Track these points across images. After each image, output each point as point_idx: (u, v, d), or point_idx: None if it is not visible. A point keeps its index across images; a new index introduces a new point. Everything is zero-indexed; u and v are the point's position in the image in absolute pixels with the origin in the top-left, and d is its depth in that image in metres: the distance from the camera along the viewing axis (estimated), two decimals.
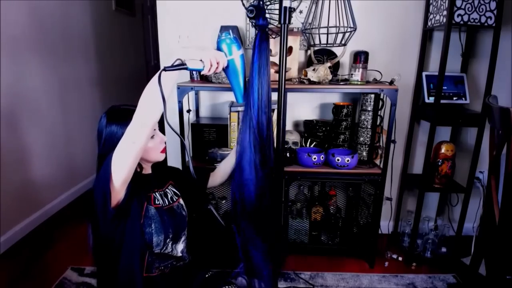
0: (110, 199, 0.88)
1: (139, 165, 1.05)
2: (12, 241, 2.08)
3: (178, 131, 1.73)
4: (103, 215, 0.90)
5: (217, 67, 0.89)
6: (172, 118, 2.06)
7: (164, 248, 1.03)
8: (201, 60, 0.86)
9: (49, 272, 1.82)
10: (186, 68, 0.84)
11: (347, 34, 1.27)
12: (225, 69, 0.95)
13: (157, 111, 0.84)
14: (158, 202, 1.05)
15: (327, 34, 1.25)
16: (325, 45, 1.33)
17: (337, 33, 1.27)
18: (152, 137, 1.03)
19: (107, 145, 0.97)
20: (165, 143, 1.09)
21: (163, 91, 0.79)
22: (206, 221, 1.33)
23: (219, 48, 0.93)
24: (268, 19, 1.13)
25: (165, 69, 0.80)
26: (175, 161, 2.11)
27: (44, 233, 2.25)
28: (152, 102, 0.83)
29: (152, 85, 0.82)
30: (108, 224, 0.92)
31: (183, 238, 1.11)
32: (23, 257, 1.98)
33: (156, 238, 0.99)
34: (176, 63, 0.82)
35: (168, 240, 1.03)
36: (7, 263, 1.92)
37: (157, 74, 0.80)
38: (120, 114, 0.99)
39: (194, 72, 1.79)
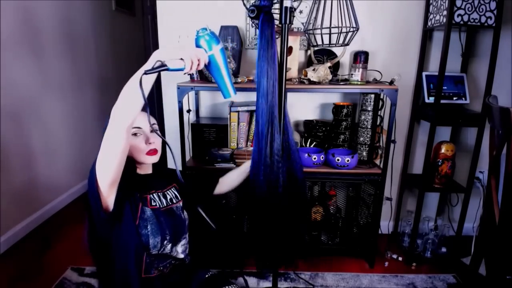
0: (101, 202, 0.89)
1: (133, 165, 1.05)
2: (12, 241, 2.08)
3: (178, 131, 1.73)
4: (97, 217, 0.91)
5: (198, 65, 0.88)
6: (172, 118, 2.07)
7: (162, 249, 1.02)
8: (181, 59, 0.84)
9: (49, 272, 1.82)
10: (167, 69, 0.82)
11: (349, 34, 1.27)
12: (207, 66, 0.93)
13: (130, 115, 0.82)
14: (154, 203, 1.04)
15: (329, 34, 1.25)
16: (328, 45, 1.33)
17: (339, 33, 1.26)
18: (135, 134, 1.03)
19: None
20: (157, 145, 1.07)
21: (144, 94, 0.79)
22: (204, 222, 1.33)
23: (197, 45, 0.91)
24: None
25: (145, 73, 0.79)
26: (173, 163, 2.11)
27: (44, 233, 2.24)
28: (127, 105, 0.82)
29: (128, 89, 0.81)
30: (104, 226, 0.93)
31: (183, 242, 1.11)
32: (23, 257, 1.98)
33: (153, 240, 0.99)
34: (157, 65, 0.80)
35: (166, 242, 1.02)
36: (7, 263, 1.92)
37: (135, 78, 0.80)
38: None
39: (194, 72, 1.79)
